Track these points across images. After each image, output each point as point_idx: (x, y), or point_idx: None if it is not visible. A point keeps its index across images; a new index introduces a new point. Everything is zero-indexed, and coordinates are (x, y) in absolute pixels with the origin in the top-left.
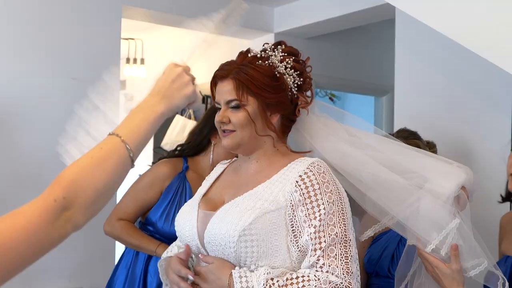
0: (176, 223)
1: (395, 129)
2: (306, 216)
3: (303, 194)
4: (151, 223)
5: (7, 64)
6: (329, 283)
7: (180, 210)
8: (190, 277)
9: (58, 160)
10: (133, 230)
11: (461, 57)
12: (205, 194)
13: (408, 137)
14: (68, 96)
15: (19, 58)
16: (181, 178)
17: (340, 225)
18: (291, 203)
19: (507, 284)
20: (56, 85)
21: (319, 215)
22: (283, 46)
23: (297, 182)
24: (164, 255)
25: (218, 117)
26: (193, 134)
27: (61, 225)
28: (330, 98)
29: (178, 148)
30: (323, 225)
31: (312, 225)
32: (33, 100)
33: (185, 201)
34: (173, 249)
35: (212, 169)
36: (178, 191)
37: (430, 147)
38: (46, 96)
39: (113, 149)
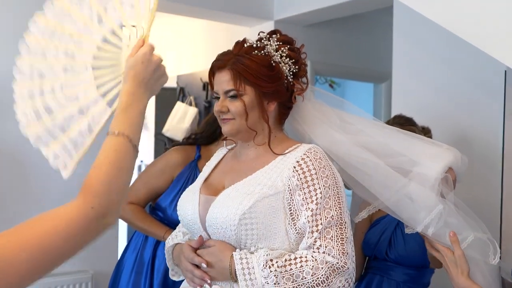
0: (178, 207)
1: (393, 115)
2: (304, 200)
3: (301, 179)
4: (161, 209)
5: (6, 53)
6: (326, 263)
7: (182, 195)
8: (204, 265)
9: None
10: (143, 215)
11: (456, 45)
12: (206, 179)
13: (404, 123)
14: None
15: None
16: (192, 166)
17: (336, 208)
18: (289, 187)
19: (498, 252)
20: None
21: (316, 199)
22: (278, 35)
23: (294, 167)
24: (170, 241)
25: (217, 106)
26: (206, 123)
27: (98, 229)
28: (330, 85)
29: (192, 136)
30: (319, 208)
31: (309, 208)
32: None
33: None
34: (178, 235)
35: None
36: (189, 180)
37: (425, 132)
38: None
39: (124, 149)
